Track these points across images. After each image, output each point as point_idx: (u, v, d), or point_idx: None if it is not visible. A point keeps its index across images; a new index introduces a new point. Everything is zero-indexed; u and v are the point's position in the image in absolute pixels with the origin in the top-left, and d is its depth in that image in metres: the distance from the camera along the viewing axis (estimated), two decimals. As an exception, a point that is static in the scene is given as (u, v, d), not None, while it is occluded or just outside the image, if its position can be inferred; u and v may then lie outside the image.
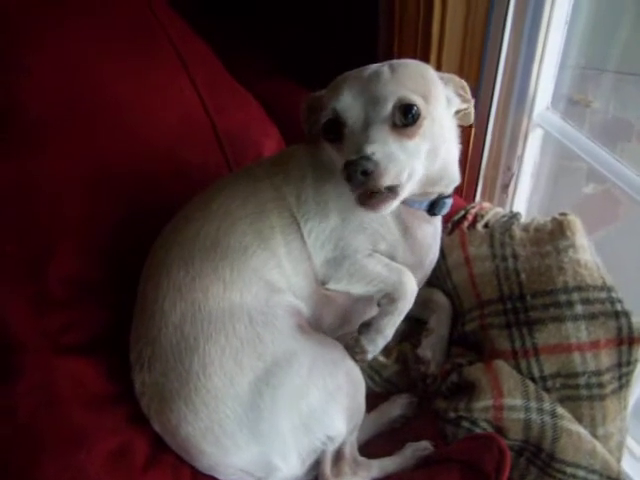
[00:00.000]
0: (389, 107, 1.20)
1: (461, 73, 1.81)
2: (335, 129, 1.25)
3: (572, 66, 1.86)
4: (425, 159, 1.27)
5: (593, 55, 1.88)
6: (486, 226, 1.63)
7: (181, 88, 1.72)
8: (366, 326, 1.41)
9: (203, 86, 1.76)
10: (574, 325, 1.41)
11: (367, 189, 1.19)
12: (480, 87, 1.84)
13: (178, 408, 1.27)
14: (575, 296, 1.42)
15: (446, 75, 1.38)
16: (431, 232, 1.50)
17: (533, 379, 1.43)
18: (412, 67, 1.31)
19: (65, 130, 1.55)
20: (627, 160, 1.66)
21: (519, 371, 1.44)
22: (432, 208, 1.43)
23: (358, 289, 1.42)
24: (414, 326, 1.62)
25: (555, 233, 1.52)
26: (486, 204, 1.70)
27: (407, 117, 1.20)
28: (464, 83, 1.38)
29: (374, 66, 1.28)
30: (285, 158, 1.46)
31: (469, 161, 1.95)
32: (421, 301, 1.52)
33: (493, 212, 1.65)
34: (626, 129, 1.98)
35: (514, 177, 1.97)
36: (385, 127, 1.20)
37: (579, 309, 1.41)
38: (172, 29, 1.80)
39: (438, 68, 1.76)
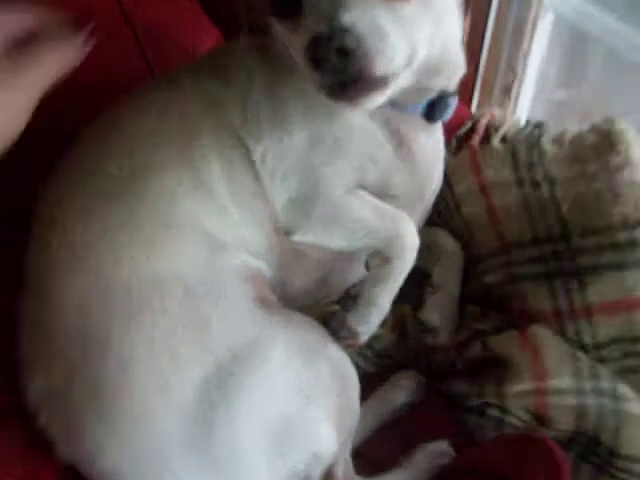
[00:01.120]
0: None
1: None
2: (288, 3, 0.82)
3: None
4: (429, 32, 0.86)
5: None
6: (504, 140, 1.19)
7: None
8: (352, 298, 1.02)
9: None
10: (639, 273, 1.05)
11: (346, 78, 0.78)
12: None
13: (91, 428, 0.87)
14: (639, 233, 1.06)
15: None
16: (431, 146, 1.09)
17: (584, 347, 1.10)
18: None
19: None
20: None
21: (565, 338, 1.10)
22: (430, 112, 1.03)
23: (337, 242, 1.03)
24: (413, 280, 1.16)
25: (601, 147, 1.13)
26: (498, 111, 1.28)
27: None
28: None
29: None
30: (222, 56, 1.04)
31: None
32: (421, 246, 1.10)
33: (511, 122, 1.22)
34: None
35: (518, 78, 1.54)
36: None
37: (645, 251, 1.05)
38: None
39: None
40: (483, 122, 1.25)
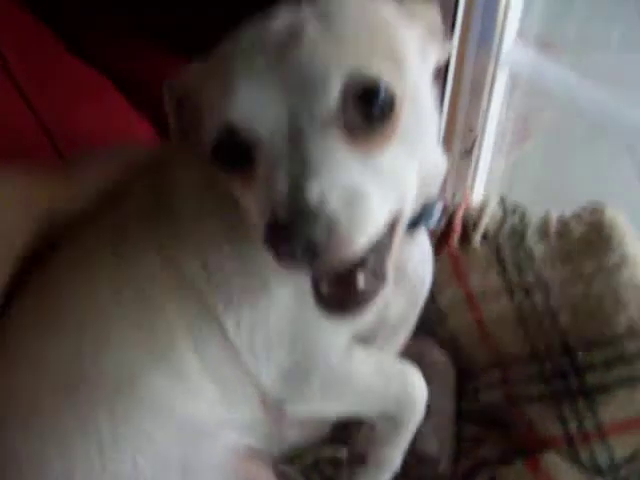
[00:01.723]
0: (334, 95, 0.65)
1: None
2: (237, 148, 0.68)
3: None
4: (414, 170, 0.73)
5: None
6: (485, 237, 1.08)
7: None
8: (360, 461, 0.93)
9: (25, 78, 1.13)
10: (653, 386, 0.96)
11: (323, 272, 0.66)
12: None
13: None
14: None
15: (409, 4, 0.79)
16: (419, 256, 0.97)
17: (600, 470, 1.00)
18: (354, 6, 0.72)
19: None
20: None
21: (579, 463, 1.00)
22: (416, 221, 0.88)
23: (337, 410, 0.91)
24: None
25: (592, 241, 1.04)
26: (470, 197, 1.17)
27: (372, 111, 0.66)
28: (434, 10, 0.82)
29: (285, 13, 0.71)
30: (166, 190, 0.87)
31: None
32: (410, 359, 1.00)
33: (488, 213, 1.11)
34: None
35: (478, 139, 1.44)
36: (334, 133, 0.65)
37: (657, 361, 0.96)
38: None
39: None
40: (459, 216, 1.13)
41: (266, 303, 0.82)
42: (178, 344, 0.82)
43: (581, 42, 1.44)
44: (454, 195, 1.01)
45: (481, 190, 1.55)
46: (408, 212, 0.73)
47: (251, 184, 0.68)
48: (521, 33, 1.41)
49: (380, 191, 0.65)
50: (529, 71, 1.43)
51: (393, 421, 0.91)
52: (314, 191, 0.60)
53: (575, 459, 1.01)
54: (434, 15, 0.82)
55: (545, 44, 1.49)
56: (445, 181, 1.05)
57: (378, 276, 0.67)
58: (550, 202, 1.22)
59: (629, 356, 0.97)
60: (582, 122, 1.39)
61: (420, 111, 0.74)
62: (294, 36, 0.67)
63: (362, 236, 0.62)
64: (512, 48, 1.40)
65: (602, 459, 1.00)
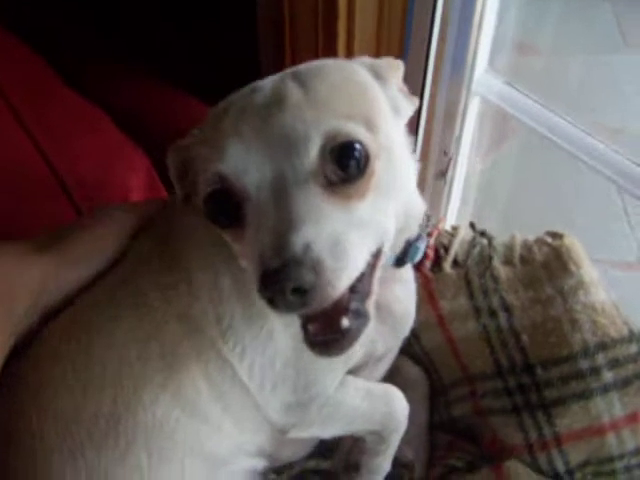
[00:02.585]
0: (313, 152, 0.73)
1: (379, 44, 1.36)
2: (228, 204, 0.77)
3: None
4: (393, 215, 0.82)
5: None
6: (455, 263, 1.18)
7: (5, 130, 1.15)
8: (355, 468, 1.06)
9: (29, 114, 1.22)
10: (604, 399, 1.07)
11: (311, 314, 0.73)
12: (406, 55, 1.39)
13: None
14: (600, 359, 1.07)
15: (378, 64, 0.89)
16: (405, 293, 1.07)
17: (557, 475, 1.11)
18: (333, 74, 0.82)
19: None
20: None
21: (538, 468, 1.11)
22: (401, 257, 0.98)
23: (333, 432, 1.02)
24: None
25: (552, 267, 1.13)
26: (441, 224, 1.26)
27: (348, 167, 0.74)
28: (401, 67, 0.93)
29: (270, 82, 0.81)
30: (175, 243, 0.95)
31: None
32: (387, 375, 1.13)
33: (458, 240, 1.21)
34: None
35: (452, 162, 1.54)
36: (314, 188, 0.73)
37: (608, 376, 1.07)
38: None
39: (348, 38, 1.29)
40: (431, 243, 1.23)
41: (272, 351, 0.91)
42: (201, 393, 0.90)
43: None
44: (428, 219, 1.11)
45: (455, 210, 1.66)
46: (386, 252, 0.82)
47: (243, 237, 0.76)
48: (491, 62, 1.51)
49: (359, 236, 0.74)
50: (498, 99, 1.52)
51: (380, 436, 1.01)
52: (299, 241, 0.68)
53: (535, 465, 1.11)
54: (398, 69, 0.92)
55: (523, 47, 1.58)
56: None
57: (360, 315, 0.75)
58: (517, 224, 1.32)
59: (583, 373, 1.07)
60: (546, 147, 1.47)
61: (394, 163, 0.82)
62: (278, 101, 0.76)
63: (345, 276, 0.70)
64: (483, 78, 1.49)
65: (559, 465, 1.10)
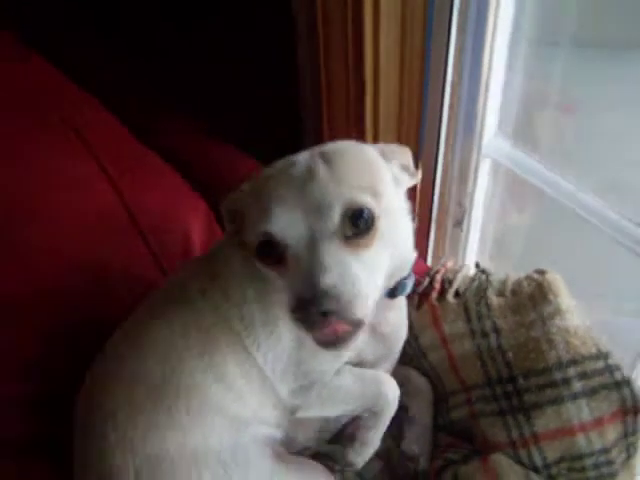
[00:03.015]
0: (335, 217, 1.00)
1: (401, 114, 1.63)
2: (272, 251, 1.04)
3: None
4: (387, 262, 1.10)
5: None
6: (457, 294, 1.45)
7: (87, 173, 1.48)
8: (350, 440, 1.29)
9: (110, 165, 1.55)
10: (574, 405, 1.27)
11: (330, 329, 0.99)
12: (424, 123, 1.67)
13: None
14: (571, 372, 1.29)
15: (387, 148, 1.19)
16: (397, 319, 1.35)
17: (536, 469, 1.31)
18: (350, 155, 1.10)
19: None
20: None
21: (520, 462, 1.32)
22: (393, 291, 1.25)
23: (333, 412, 1.28)
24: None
25: (536, 297, 1.37)
26: (449, 263, 1.53)
27: (359, 225, 1.01)
28: (407, 151, 1.22)
29: (303, 159, 1.07)
30: (218, 266, 1.26)
31: (418, 202, 1.79)
32: (397, 383, 1.37)
33: (461, 275, 1.48)
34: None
35: (467, 213, 1.80)
36: (336, 242, 1.00)
37: (577, 386, 1.28)
38: (60, 96, 1.54)
39: (375, 110, 1.58)
40: (438, 278, 1.50)
41: (281, 347, 1.20)
42: (229, 369, 1.19)
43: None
44: (440, 259, 1.38)
45: (473, 255, 1.91)
46: (381, 286, 1.09)
47: (283, 274, 1.04)
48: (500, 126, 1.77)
49: (366, 275, 1.02)
50: (507, 161, 1.78)
51: (373, 412, 1.27)
52: (328, 279, 0.94)
53: (517, 459, 1.32)
54: (406, 156, 1.21)
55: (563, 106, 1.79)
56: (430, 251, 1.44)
57: (354, 325, 1.01)
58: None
59: (556, 383, 1.28)
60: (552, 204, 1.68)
61: (393, 222, 1.09)
62: (310, 176, 1.03)
63: (359, 303, 0.96)
64: (492, 140, 1.75)
65: (537, 460, 1.31)
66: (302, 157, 1.10)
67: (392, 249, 1.09)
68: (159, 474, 1.11)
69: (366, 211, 1.01)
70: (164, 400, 1.15)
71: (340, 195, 1.00)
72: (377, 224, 1.03)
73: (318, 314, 0.93)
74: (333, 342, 1.00)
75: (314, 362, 1.21)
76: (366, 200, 1.01)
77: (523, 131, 1.74)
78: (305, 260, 0.98)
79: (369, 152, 1.16)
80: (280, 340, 1.19)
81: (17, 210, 1.36)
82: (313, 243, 0.99)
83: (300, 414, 1.24)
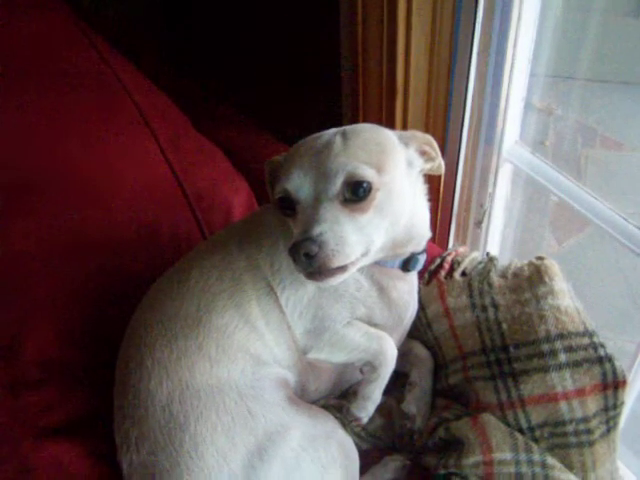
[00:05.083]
0: (338, 183, 1.18)
1: (427, 117, 1.80)
2: (289, 204, 1.24)
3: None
4: (384, 229, 1.26)
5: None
6: (464, 274, 1.61)
7: (146, 149, 1.69)
8: (353, 395, 1.43)
9: (167, 144, 1.74)
10: (559, 374, 1.40)
11: (313, 270, 1.18)
12: (448, 128, 1.83)
13: None
14: (558, 345, 1.41)
15: (407, 134, 1.35)
16: (407, 289, 1.49)
17: (521, 430, 1.43)
18: (366, 134, 1.27)
19: (31, 206, 1.52)
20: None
21: (506, 423, 1.44)
22: (405, 265, 1.42)
23: (339, 358, 1.42)
24: (396, 379, 1.59)
25: (533, 279, 1.50)
26: (462, 249, 1.69)
27: (357, 193, 1.18)
28: (429, 138, 1.35)
29: (328, 134, 1.26)
30: (255, 225, 1.45)
31: (441, 200, 1.94)
32: (401, 354, 1.52)
33: (469, 258, 1.64)
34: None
35: (487, 213, 1.95)
36: (335, 203, 1.18)
37: (563, 358, 1.40)
38: (131, 84, 1.77)
39: (404, 112, 1.75)
40: (449, 259, 1.66)
41: (302, 291, 1.37)
42: (253, 309, 1.36)
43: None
44: (454, 245, 1.57)
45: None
46: (373, 253, 1.26)
47: (294, 223, 1.26)
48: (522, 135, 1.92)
49: (356, 237, 1.20)
50: (525, 165, 1.93)
51: (373, 366, 1.41)
52: (317, 229, 1.15)
53: (504, 420, 1.44)
54: (425, 138, 1.37)
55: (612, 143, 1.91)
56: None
57: (340, 269, 1.18)
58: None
59: (543, 353, 1.41)
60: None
61: (396, 196, 1.24)
62: (326, 148, 1.23)
63: (340, 257, 1.15)
64: (512, 148, 1.91)
65: (522, 422, 1.43)
66: (328, 133, 1.29)
67: (392, 219, 1.26)
68: (188, 397, 1.27)
69: (364, 183, 1.17)
70: (197, 335, 1.32)
71: (345, 166, 1.17)
72: (374, 194, 1.19)
73: (302, 254, 1.13)
74: (315, 277, 1.20)
75: (331, 310, 1.37)
76: (366, 173, 1.18)
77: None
78: (307, 214, 1.19)
79: (384, 133, 1.33)
80: (303, 285, 1.33)
81: (93, 176, 1.58)
82: (317, 201, 1.19)
83: (311, 355, 1.40)
